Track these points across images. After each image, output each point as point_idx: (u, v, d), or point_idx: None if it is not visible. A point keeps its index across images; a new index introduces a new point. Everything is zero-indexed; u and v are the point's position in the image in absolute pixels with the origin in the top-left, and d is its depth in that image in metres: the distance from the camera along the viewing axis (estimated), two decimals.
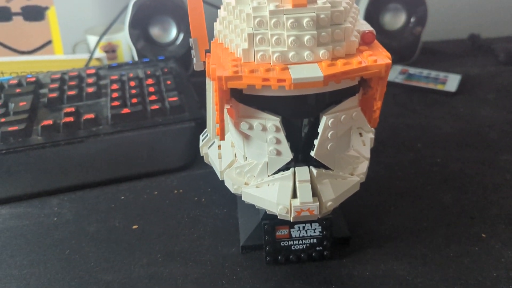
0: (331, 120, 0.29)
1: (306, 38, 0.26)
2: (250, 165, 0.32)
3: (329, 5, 0.26)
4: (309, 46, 0.26)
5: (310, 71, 0.26)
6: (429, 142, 0.52)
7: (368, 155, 0.35)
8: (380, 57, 0.27)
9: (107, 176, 0.47)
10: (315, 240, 0.35)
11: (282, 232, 0.35)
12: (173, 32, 0.68)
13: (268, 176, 0.31)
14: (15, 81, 0.57)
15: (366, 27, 0.30)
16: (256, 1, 0.27)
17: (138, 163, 0.48)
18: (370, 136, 0.37)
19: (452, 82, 0.64)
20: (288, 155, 0.30)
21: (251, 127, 0.29)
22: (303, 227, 0.35)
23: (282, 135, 0.29)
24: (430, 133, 0.53)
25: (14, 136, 0.47)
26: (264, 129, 0.29)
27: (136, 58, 0.67)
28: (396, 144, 0.51)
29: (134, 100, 0.53)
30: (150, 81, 0.57)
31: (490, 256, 0.36)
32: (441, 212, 0.41)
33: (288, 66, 0.26)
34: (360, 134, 0.36)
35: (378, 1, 0.69)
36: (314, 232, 0.35)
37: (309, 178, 0.30)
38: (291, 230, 0.35)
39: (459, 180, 0.45)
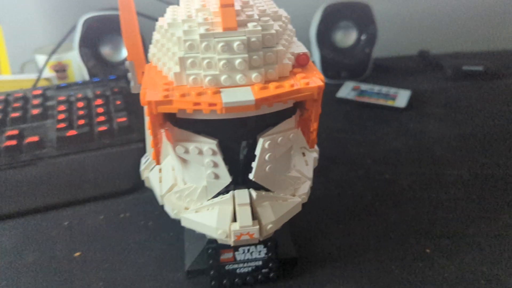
0: (268, 142, 0.29)
1: (237, 61, 0.26)
2: (189, 189, 0.31)
3: (260, 28, 0.26)
4: (241, 70, 0.26)
5: (242, 94, 0.26)
6: (378, 158, 0.52)
7: (310, 175, 0.35)
8: (312, 79, 0.27)
9: (50, 201, 0.45)
10: (260, 262, 0.35)
11: (226, 255, 0.35)
12: (124, 51, 0.67)
13: (208, 200, 0.31)
14: None
15: (301, 49, 0.30)
16: (187, 24, 0.27)
17: (84, 187, 0.47)
18: (313, 155, 0.37)
19: (402, 98, 0.65)
20: (226, 179, 0.30)
21: (187, 151, 0.29)
22: (248, 250, 0.35)
23: (219, 158, 0.29)
24: (379, 149, 0.54)
25: None
26: (201, 152, 0.29)
27: (87, 78, 0.66)
28: (346, 161, 0.52)
29: (81, 122, 0.51)
30: (99, 101, 0.56)
31: (434, 271, 0.36)
32: (388, 229, 0.41)
33: (220, 89, 0.26)
34: (303, 154, 0.36)
35: (330, 19, 0.71)
36: (259, 254, 0.35)
37: (248, 201, 0.30)
38: (236, 253, 0.35)
39: (407, 196, 0.46)
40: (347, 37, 0.73)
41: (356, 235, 0.41)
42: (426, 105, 0.65)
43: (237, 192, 0.30)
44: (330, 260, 0.38)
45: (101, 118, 0.52)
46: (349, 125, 0.60)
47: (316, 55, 0.73)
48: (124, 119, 0.52)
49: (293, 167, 0.33)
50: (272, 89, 0.26)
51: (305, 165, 0.35)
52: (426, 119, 0.61)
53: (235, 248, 0.34)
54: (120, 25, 0.29)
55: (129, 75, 0.31)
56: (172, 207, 0.32)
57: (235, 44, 0.26)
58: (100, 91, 0.58)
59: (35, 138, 0.48)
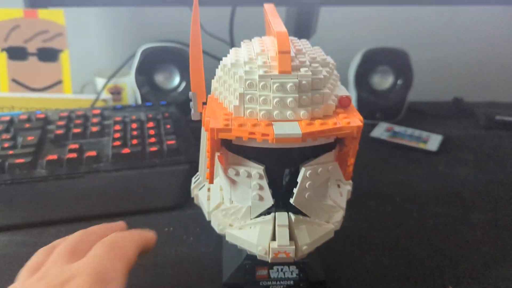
0: (309, 171, 0.32)
1: (289, 100, 0.30)
2: (235, 208, 0.35)
3: (310, 73, 0.30)
4: (291, 107, 0.30)
5: (290, 128, 0.30)
6: (407, 197, 0.55)
7: (344, 205, 0.38)
8: (353, 119, 0.31)
9: (103, 210, 0.50)
10: (292, 282, 0.38)
11: (261, 272, 0.38)
12: (176, 79, 0.73)
13: (251, 219, 0.35)
14: (25, 116, 0.61)
15: (344, 92, 0.34)
16: (248, 65, 0.31)
17: (133, 200, 0.51)
18: (347, 188, 0.41)
19: (433, 142, 0.68)
20: (269, 201, 0.34)
21: (237, 173, 0.33)
22: (281, 269, 0.38)
23: (265, 182, 0.33)
24: (409, 189, 0.57)
25: (20, 168, 0.51)
26: (249, 176, 0.33)
27: (139, 102, 0.72)
28: (376, 197, 0.55)
29: (135, 141, 0.56)
30: (151, 124, 0.61)
31: None
32: (413, 264, 0.44)
33: (272, 122, 0.30)
34: (338, 186, 0.40)
35: (368, 63, 0.75)
36: (292, 274, 0.38)
37: (287, 223, 0.33)
38: (270, 271, 0.38)
39: (432, 235, 0.48)
40: (384, 80, 0.77)
41: (382, 267, 0.43)
42: (457, 151, 0.68)
43: (278, 214, 0.34)
44: (355, 287, 0.41)
45: (153, 140, 0.57)
46: (381, 164, 0.63)
47: (353, 96, 0.77)
48: (173, 142, 0.57)
49: (329, 197, 0.37)
50: (317, 125, 0.30)
51: (339, 196, 0.39)
52: (456, 164, 0.64)
53: (270, 266, 0.38)
54: (190, 60, 0.34)
55: (191, 104, 0.35)
56: (218, 223, 0.36)
57: (288, 85, 0.30)
58: (152, 115, 0.64)
59: (93, 153, 0.54)
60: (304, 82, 0.30)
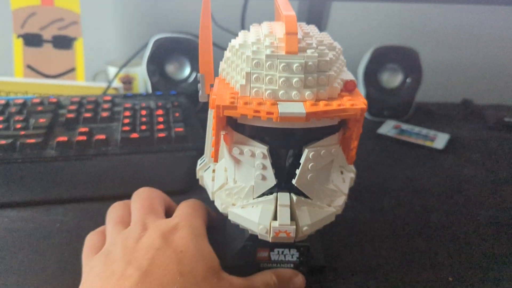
0: (312, 153, 0.33)
1: (294, 80, 0.31)
2: (238, 188, 0.36)
3: (317, 55, 0.31)
4: (297, 87, 0.31)
5: (295, 108, 0.30)
6: (411, 192, 0.55)
7: (346, 191, 0.38)
8: (357, 102, 0.31)
9: (110, 192, 0.51)
10: (292, 265, 0.39)
11: (262, 254, 0.38)
12: (187, 70, 0.74)
13: (253, 198, 0.35)
14: (38, 100, 0.62)
15: (350, 76, 0.34)
16: (256, 46, 0.32)
17: (140, 183, 0.51)
18: (350, 175, 0.41)
19: (440, 140, 0.68)
20: (272, 181, 0.34)
21: (241, 153, 0.34)
22: (282, 252, 0.38)
23: (268, 162, 0.33)
24: (413, 185, 0.57)
25: (31, 148, 0.52)
26: (253, 155, 0.33)
27: (150, 91, 0.73)
28: (381, 191, 0.55)
29: (143, 127, 0.57)
30: (160, 112, 0.62)
31: None
32: (414, 255, 0.44)
33: (278, 102, 0.31)
34: (342, 172, 0.40)
35: (378, 60, 0.75)
36: (292, 257, 0.38)
37: (288, 203, 0.34)
38: (271, 253, 0.38)
39: (434, 228, 0.48)
40: (393, 78, 0.77)
41: (382, 257, 0.44)
42: (464, 150, 0.68)
43: (280, 194, 0.34)
44: (355, 274, 0.41)
45: (161, 126, 0.58)
46: (387, 159, 0.64)
47: (362, 93, 0.77)
48: (181, 129, 0.57)
49: (331, 181, 0.37)
50: (322, 106, 0.30)
51: (342, 181, 0.39)
52: (462, 163, 0.64)
53: (271, 248, 0.38)
54: (199, 41, 0.35)
55: (199, 85, 0.36)
56: (221, 202, 0.36)
57: (294, 66, 0.30)
58: (162, 103, 0.65)
59: (102, 136, 0.55)
60: (310, 63, 0.31)
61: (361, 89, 0.77)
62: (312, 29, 0.37)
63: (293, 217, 0.34)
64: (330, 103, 0.31)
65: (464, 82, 0.94)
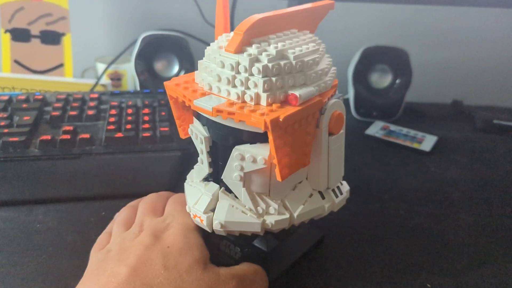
0: (236, 153, 0.32)
1: (223, 76, 0.31)
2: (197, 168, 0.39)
3: (248, 59, 0.30)
4: (225, 84, 0.31)
5: (210, 102, 0.31)
6: (396, 195, 0.55)
7: (287, 213, 0.35)
8: (270, 115, 0.29)
9: (93, 192, 0.50)
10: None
11: (215, 240, 0.40)
12: (175, 68, 0.74)
13: (200, 181, 0.38)
14: (23, 97, 0.62)
15: (304, 92, 0.32)
16: (217, 44, 0.33)
17: (123, 183, 0.52)
18: (324, 204, 0.37)
19: (428, 142, 0.68)
20: (206, 168, 0.36)
21: (191, 132, 0.36)
22: (229, 245, 0.40)
23: (204, 148, 0.35)
24: (398, 187, 0.57)
25: (14, 147, 0.52)
26: (196, 137, 0.35)
27: (138, 88, 0.73)
28: (364, 194, 0.55)
29: (129, 126, 0.57)
30: (146, 110, 0.62)
31: None
32: (394, 260, 0.44)
33: (207, 93, 0.32)
34: (311, 195, 0.37)
35: (367, 60, 0.75)
36: (235, 255, 0.40)
37: (212, 193, 0.35)
38: (220, 242, 0.41)
39: (417, 233, 0.49)
40: (382, 79, 0.77)
41: (363, 262, 0.44)
42: (450, 152, 0.68)
43: (210, 184, 0.36)
44: (331, 278, 0.41)
45: (146, 126, 0.58)
46: (373, 161, 0.64)
47: (351, 93, 0.77)
48: (166, 128, 0.57)
49: (273, 192, 0.35)
50: (234, 108, 0.30)
51: (297, 200, 0.36)
52: (448, 165, 0.64)
53: (221, 238, 0.40)
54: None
55: None
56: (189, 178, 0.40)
57: (227, 63, 0.31)
58: (149, 102, 0.64)
59: (86, 135, 0.54)
60: (241, 65, 0.31)
61: (349, 89, 0.77)
62: (305, 39, 0.35)
63: (213, 209, 0.35)
64: (242, 107, 0.30)
65: (455, 83, 0.94)
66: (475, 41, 0.93)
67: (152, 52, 0.72)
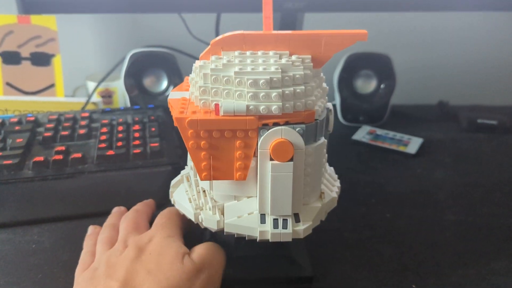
0: None
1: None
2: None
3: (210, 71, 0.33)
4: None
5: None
6: (382, 198, 0.57)
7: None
8: (186, 116, 0.33)
9: (86, 210, 0.52)
10: None
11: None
12: (164, 83, 0.75)
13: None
14: (15, 119, 0.63)
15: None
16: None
17: (116, 200, 0.53)
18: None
19: (413, 145, 0.70)
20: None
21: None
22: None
23: None
24: (385, 191, 0.59)
25: (8, 169, 0.53)
26: None
27: (128, 105, 0.74)
28: (351, 198, 0.56)
29: (119, 143, 0.58)
30: (136, 127, 0.63)
31: None
32: (380, 263, 0.45)
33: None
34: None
35: (352, 67, 0.77)
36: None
37: (182, 174, 0.43)
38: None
39: (403, 235, 0.50)
40: (367, 84, 0.78)
41: (349, 266, 0.45)
42: (436, 153, 0.69)
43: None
44: (320, 282, 0.42)
45: (137, 142, 0.59)
46: (360, 166, 0.65)
47: (337, 99, 0.78)
48: (156, 144, 0.59)
49: (215, 192, 0.38)
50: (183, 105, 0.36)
51: (234, 211, 0.37)
52: (434, 166, 0.65)
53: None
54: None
55: None
56: None
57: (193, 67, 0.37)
58: (139, 118, 0.66)
59: (78, 155, 0.56)
60: (196, 69, 0.35)
61: (335, 96, 0.79)
62: (275, 58, 0.35)
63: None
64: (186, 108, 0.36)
65: (438, 84, 0.96)
66: (456, 43, 0.95)
67: (141, 68, 0.74)
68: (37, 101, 0.74)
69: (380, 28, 0.91)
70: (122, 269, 0.36)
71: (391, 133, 0.74)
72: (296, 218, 0.36)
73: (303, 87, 0.33)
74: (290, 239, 0.36)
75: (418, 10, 0.73)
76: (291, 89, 0.33)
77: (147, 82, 0.75)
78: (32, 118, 0.64)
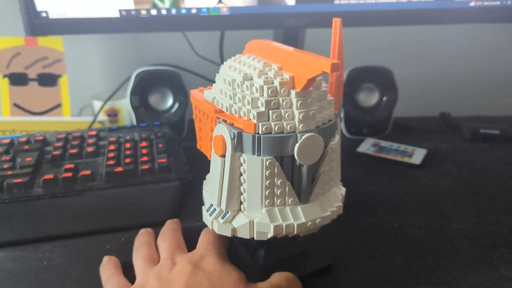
0: None
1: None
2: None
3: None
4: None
5: None
6: (390, 209, 0.57)
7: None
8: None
9: (97, 226, 0.52)
10: None
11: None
12: (170, 101, 0.76)
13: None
14: (24, 139, 0.64)
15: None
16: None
17: (126, 216, 0.53)
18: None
19: (418, 156, 0.70)
20: None
21: None
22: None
23: None
24: (392, 201, 0.59)
25: (18, 188, 0.54)
26: None
27: (134, 123, 0.75)
28: (359, 209, 0.57)
29: (128, 160, 0.59)
30: (144, 143, 0.64)
31: None
32: (390, 272, 0.46)
33: None
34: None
35: (354, 81, 0.78)
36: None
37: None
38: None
39: (412, 245, 0.50)
40: (369, 97, 0.79)
41: (359, 276, 0.45)
42: (440, 164, 0.70)
43: None
44: None
45: (145, 158, 0.60)
46: (366, 177, 0.66)
47: (341, 112, 0.79)
48: (164, 160, 0.59)
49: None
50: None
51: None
52: (439, 176, 0.66)
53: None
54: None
55: None
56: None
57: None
58: (146, 135, 0.67)
59: (87, 172, 0.57)
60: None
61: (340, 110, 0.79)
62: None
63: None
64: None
65: (440, 96, 0.97)
66: (456, 55, 0.96)
67: (146, 86, 0.75)
68: (44, 121, 0.75)
69: (381, 41, 0.93)
70: (180, 282, 0.36)
71: (395, 145, 0.74)
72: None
73: (257, 96, 0.35)
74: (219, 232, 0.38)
75: (418, 23, 0.74)
76: (246, 94, 0.35)
77: (153, 100, 0.76)
78: (41, 138, 0.65)
